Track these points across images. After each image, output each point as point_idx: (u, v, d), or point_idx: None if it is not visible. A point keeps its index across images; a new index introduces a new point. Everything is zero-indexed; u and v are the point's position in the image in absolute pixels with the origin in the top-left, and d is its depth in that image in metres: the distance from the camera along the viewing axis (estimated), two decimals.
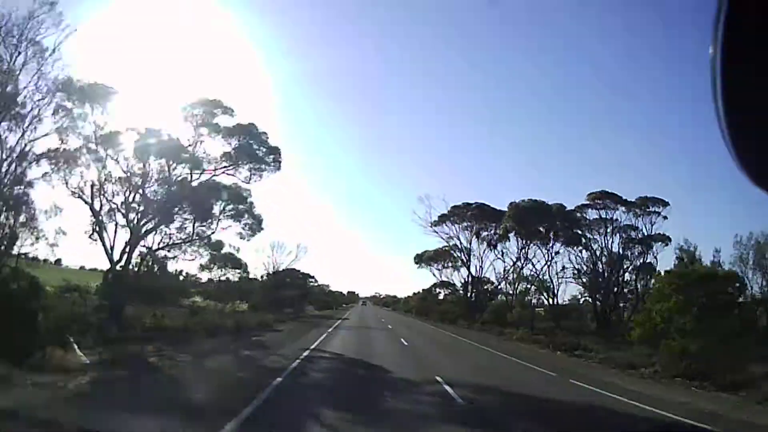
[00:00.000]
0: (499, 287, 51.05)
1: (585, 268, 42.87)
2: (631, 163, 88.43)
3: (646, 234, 41.40)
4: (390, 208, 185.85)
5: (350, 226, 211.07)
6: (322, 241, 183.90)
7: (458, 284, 59.95)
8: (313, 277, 55.79)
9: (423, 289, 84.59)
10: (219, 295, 56.97)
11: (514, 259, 44.73)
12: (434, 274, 57.37)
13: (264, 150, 28.17)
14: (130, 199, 23.57)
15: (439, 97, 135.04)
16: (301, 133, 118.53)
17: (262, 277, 51.71)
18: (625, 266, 41.46)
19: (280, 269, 45.41)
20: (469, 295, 53.89)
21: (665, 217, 40.61)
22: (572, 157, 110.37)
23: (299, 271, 52.91)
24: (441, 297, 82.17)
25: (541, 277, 40.15)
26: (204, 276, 50.96)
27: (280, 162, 28.56)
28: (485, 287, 54.32)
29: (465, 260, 52.58)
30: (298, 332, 27.09)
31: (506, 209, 49.82)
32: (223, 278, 47.96)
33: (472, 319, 48.62)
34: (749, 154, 1.32)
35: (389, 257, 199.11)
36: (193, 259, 30.62)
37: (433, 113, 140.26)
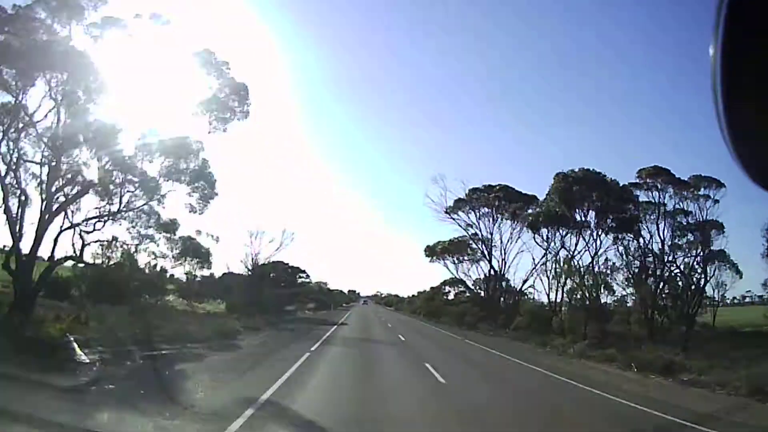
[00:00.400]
0: (527, 286, 42.28)
1: (633, 260, 34.26)
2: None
3: (700, 220, 32.84)
4: (396, 200, 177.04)
5: (351, 221, 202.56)
6: (321, 238, 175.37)
7: (473, 281, 51.37)
8: (304, 272, 47.16)
9: (431, 287, 75.99)
10: (201, 293, 49.22)
11: (557, 247, 35.85)
12: (449, 269, 48.54)
13: (227, 90, 19.77)
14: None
15: (453, 66, 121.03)
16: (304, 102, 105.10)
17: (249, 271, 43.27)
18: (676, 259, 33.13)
19: (262, 262, 36.42)
20: (489, 294, 45.03)
21: (716, 201, 32.03)
22: (602, 138, 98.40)
23: (287, 264, 44.11)
24: (451, 296, 73.77)
25: (592, 270, 31.28)
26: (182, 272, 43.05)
27: (248, 106, 20.11)
28: (508, 285, 45.43)
29: (485, 252, 43.88)
30: (264, 352, 17.52)
31: (532, 192, 41.50)
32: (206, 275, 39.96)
33: (493, 322, 39.99)
34: (749, 153, 1.33)
35: (392, 255, 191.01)
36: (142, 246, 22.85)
37: (447, 85, 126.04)
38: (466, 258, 45.64)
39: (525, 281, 42.46)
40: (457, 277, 48.31)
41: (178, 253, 27.50)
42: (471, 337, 31.95)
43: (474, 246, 44.30)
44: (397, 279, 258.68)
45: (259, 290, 35.99)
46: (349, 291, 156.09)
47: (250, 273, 35.49)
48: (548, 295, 34.20)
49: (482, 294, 58.21)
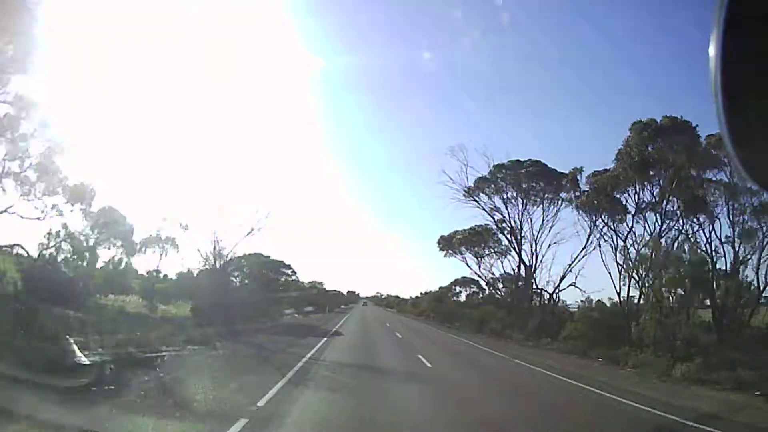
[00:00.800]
0: (566, 285, 34.06)
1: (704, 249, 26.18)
2: None
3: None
4: (397, 198, 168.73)
5: (350, 220, 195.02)
6: (320, 237, 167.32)
7: (489, 280, 43.15)
8: (289, 267, 38.64)
9: (440, 287, 67.78)
10: (169, 293, 41.88)
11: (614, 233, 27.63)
12: (468, 265, 40.08)
13: None
14: None
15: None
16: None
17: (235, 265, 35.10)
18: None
19: (229, 254, 27.82)
20: (518, 294, 36.71)
21: None
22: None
23: (267, 257, 35.74)
24: (462, 297, 65.58)
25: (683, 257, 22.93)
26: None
27: None
28: (536, 285, 37.13)
29: (514, 243, 35.65)
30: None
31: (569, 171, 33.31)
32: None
33: (523, 328, 31.87)
34: (749, 153, 1.33)
35: (391, 254, 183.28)
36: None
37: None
38: (490, 250, 37.35)
39: (562, 278, 34.25)
40: (479, 273, 39.90)
41: (97, 232, 19.34)
42: (508, 352, 23.64)
43: (499, 236, 36.10)
44: (397, 279, 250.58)
45: (224, 289, 27.67)
46: (348, 292, 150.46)
47: (210, 268, 27.05)
48: (619, 294, 25.90)
49: (500, 294, 50.26)
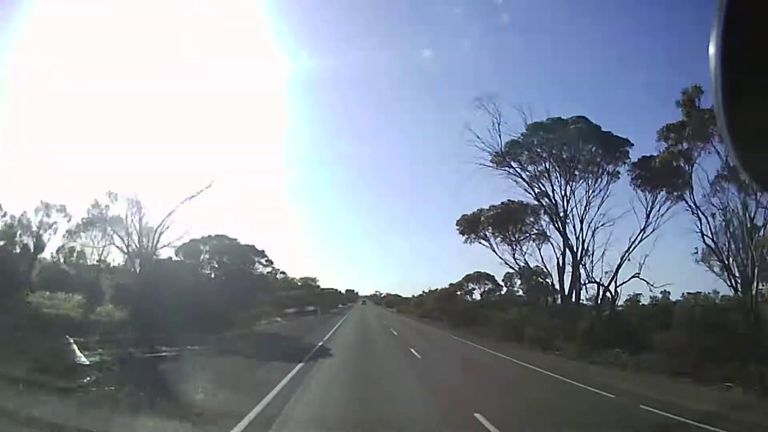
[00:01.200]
0: (617, 281, 25.80)
1: None
2: None
3: None
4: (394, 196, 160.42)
5: (351, 220, 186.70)
6: (319, 236, 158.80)
7: (520, 272, 34.73)
8: (262, 253, 29.85)
9: (450, 284, 59.24)
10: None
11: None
12: (496, 252, 31.21)
13: None
14: None
15: None
16: None
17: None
18: None
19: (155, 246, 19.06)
20: (566, 293, 28.14)
21: None
22: None
23: (233, 239, 27.01)
24: (476, 296, 57.23)
25: None
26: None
27: None
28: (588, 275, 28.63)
29: (559, 224, 27.23)
30: None
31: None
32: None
33: (571, 334, 23.73)
34: (749, 153, 1.32)
35: (391, 253, 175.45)
36: None
37: None
38: (525, 234, 28.88)
39: (617, 268, 25.91)
40: (511, 263, 31.09)
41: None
42: (604, 382, 15.17)
43: (539, 216, 27.70)
44: (397, 279, 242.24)
45: (162, 285, 19.29)
46: (347, 290, 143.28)
47: (134, 251, 18.56)
48: (735, 286, 17.66)
49: (519, 290, 42.42)
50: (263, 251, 29.66)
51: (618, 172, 28.01)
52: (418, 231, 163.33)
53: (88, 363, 10.94)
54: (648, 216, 25.32)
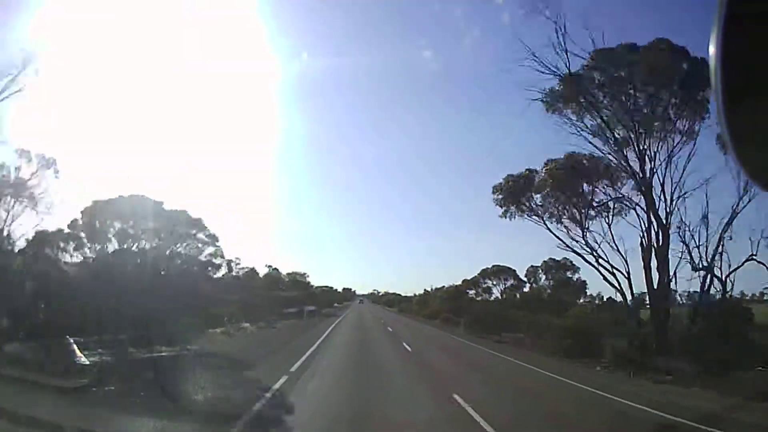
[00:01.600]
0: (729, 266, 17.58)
1: None
2: None
3: None
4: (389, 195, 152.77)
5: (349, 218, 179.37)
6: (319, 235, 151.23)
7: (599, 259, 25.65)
8: (204, 228, 21.15)
9: (463, 280, 50.81)
10: None
11: None
12: (549, 229, 21.65)
13: None
14: None
15: None
16: None
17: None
18: None
19: None
20: (654, 286, 19.52)
21: None
22: None
23: (159, 202, 18.28)
24: (495, 294, 48.86)
25: None
26: None
27: None
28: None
29: (642, 188, 18.88)
30: None
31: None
32: None
33: (662, 346, 15.73)
34: (750, 153, 1.31)
35: (391, 253, 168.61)
36: None
37: None
38: (602, 202, 20.27)
39: (715, 251, 17.66)
40: (580, 243, 21.55)
41: None
42: None
43: (619, 175, 19.32)
44: (397, 278, 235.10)
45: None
46: (344, 289, 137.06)
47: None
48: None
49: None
50: (205, 225, 21.26)
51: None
52: (418, 229, 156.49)
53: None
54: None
